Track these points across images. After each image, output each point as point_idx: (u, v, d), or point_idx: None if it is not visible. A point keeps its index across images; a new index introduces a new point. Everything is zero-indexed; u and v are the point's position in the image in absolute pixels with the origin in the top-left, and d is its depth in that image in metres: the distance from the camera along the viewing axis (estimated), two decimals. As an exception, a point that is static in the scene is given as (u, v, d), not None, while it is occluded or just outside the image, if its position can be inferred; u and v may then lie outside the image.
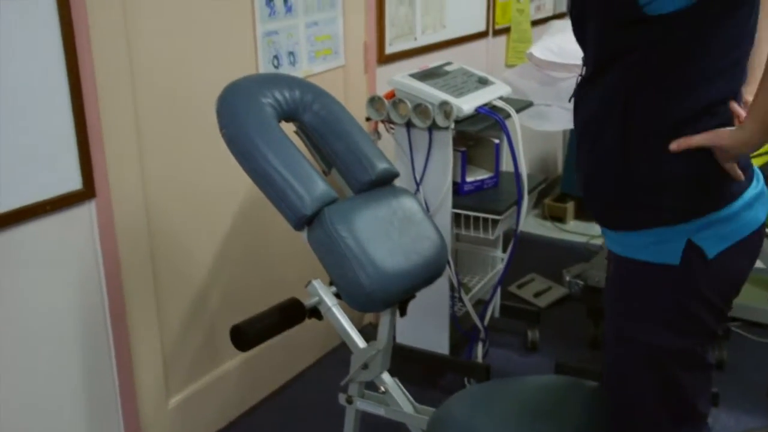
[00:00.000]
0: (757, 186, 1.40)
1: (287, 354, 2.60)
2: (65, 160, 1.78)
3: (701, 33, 1.25)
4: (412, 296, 1.70)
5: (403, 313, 1.70)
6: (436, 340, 2.55)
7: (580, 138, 1.40)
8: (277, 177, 1.56)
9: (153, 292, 2.08)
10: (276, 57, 2.37)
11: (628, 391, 1.45)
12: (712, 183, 1.32)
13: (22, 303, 1.75)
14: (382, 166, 1.73)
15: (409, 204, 1.70)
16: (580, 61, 1.62)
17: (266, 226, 2.44)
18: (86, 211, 1.86)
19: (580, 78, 1.44)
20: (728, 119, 1.33)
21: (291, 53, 2.43)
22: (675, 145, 1.29)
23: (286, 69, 2.41)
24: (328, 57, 2.60)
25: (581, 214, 4.12)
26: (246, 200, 2.35)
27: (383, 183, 1.74)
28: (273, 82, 1.73)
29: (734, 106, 1.33)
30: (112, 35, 1.84)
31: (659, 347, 1.39)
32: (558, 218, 4.07)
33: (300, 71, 2.47)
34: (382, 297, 1.58)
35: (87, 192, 1.84)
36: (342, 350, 2.78)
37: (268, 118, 1.63)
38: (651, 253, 1.35)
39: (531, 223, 4.06)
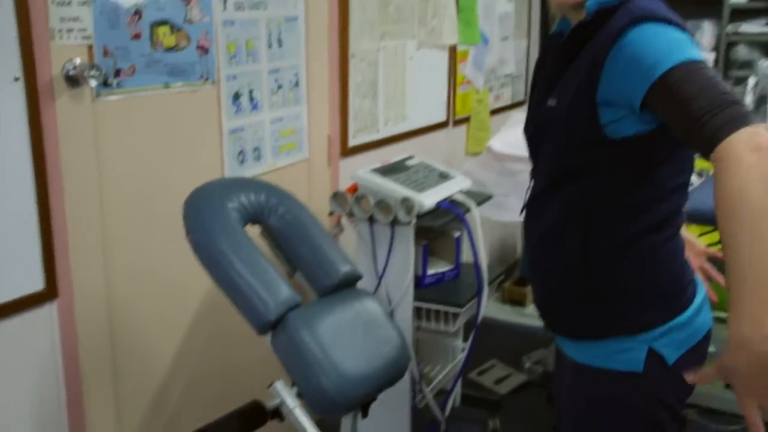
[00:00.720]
0: (701, 292, 1.48)
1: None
2: (28, 262, 1.79)
3: (656, 157, 1.33)
4: (374, 398, 1.71)
5: (365, 415, 1.72)
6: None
7: (536, 250, 1.46)
8: (242, 283, 1.59)
9: (113, 395, 2.06)
10: (241, 153, 2.42)
11: None
12: (669, 292, 1.39)
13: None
14: (344, 269, 1.77)
15: (371, 307, 1.74)
16: None
17: (228, 324, 2.44)
18: (47, 312, 1.85)
19: (530, 190, 1.50)
20: (680, 226, 1.41)
21: (256, 149, 2.49)
22: (692, 378, 1.21)
23: (250, 164, 2.46)
24: (292, 151, 2.65)
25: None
26: (207, 298, 2.35)
27: (346, 286, 1.78)
28: (239, 186, 1.77)
29: None
30: (80, 135, 1.87)
31: None
32: (517, 302, 4.11)
33: (265, 166, 2.52)
34: (344, 402, 1.59)
35: (49, 293, 1.84)
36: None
37: (233, 223, 1.67)
38: (614, 362, 1.39)
39: (491, 307, 4.08)
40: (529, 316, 4.03)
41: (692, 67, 1.18)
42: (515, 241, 4.57)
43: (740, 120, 1.09)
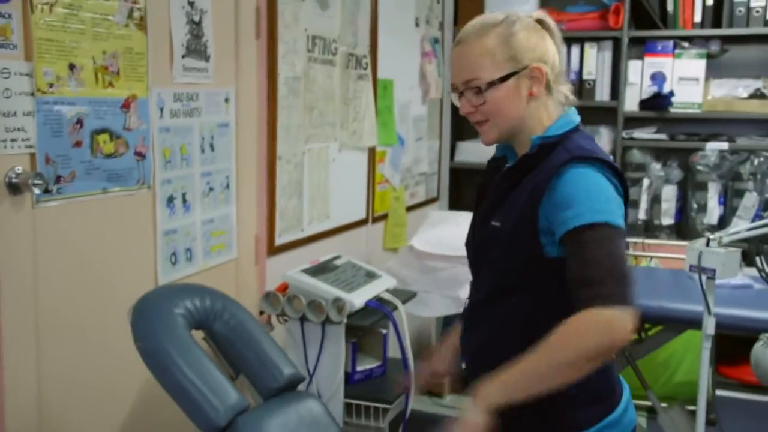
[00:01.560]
0: (626, 390, 1.61)
1: None
2: (-36, 370, 1.77)
3: None
4: (319, 500, 1.75)
5: None
6: None
7: (477, 359, 1.56)
8: (191, 388, 1.63)
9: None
10: (174, 254, 2.46)
11: None
12: (602, 394, 1.53)
13: None
14: (288, 372, 1.83)
15: (315, 408, 1.79)
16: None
17: (159, 426, 2.43)
18: (-20, 421, 1.82)
19: (468, 302, 1.62)
20: None
21: (188, 249, 2.53)
22: None
23: (183, 265, 2.50)
24: (222, 251, 2.71)
25: (457, 389, 4.27)
26: (138, 401, 2.34)
27: (290, 388, 1.83)
28: (185, 292, 1.82)
29: None
30: (19, 241, 1.89)
31: None
32: (436, 393, 4.20)
33: (196, 266, 2.56)
34: (293, 506, 1.63)
35: (-18, 401, 1.81)
36: None
37: (180, 329, 1.71)
38: None
39: (396, 409, 4.16)
40: (446, 406, 4.12)
41: (600, 233, 1.38)
42: (430, 333, 4.68)
43: (609, 300, 1.34)
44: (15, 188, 1.87)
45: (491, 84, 1.50)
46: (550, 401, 1.47)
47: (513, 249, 1.49)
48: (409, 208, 4.20)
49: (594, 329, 1.33)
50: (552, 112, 1.56)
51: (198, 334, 1.86)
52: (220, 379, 1.67)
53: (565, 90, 1.59)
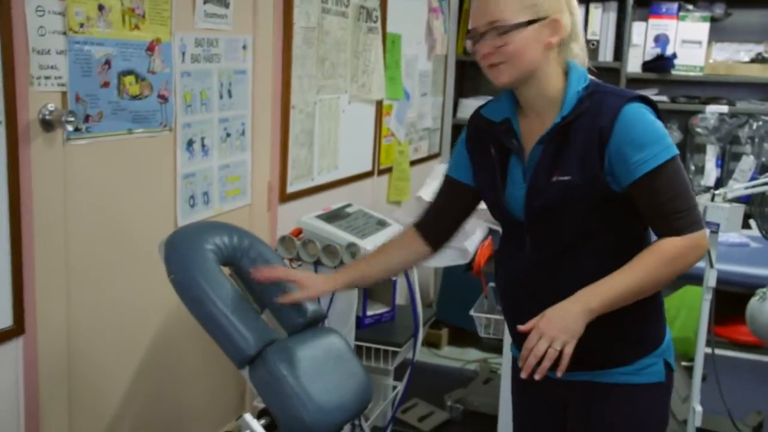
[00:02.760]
0: None
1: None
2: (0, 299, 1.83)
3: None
4: (342, 429, 1.84)
5: (330, 445, 1.84)
6: (336, 468, 2.65)
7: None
8: (223, 320, 1.70)
9: (67, 427, 2.09)
10: (192, 197, 2.52)
11: None
12: (663, 314, 1.73)
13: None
14: (312, 308, 1.90)
15: (338, 343, 1.87)
16: None
17: (179, 361, 2.52)
18: (14, 348, 1.89)
19: (528, 258, 1.67)
20: None
21: (205, 193, 2.59)
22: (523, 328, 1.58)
23: (200, 208, 2.56)
24: (237, 196, 2.77)
25: (455, 341, 4.39)
26: (161, 335, 2.43)
27: (314, 323, 1.91)
28: (214, 229, 1.88)
29: None
30: (51, 177, 1.94)
31: None
32: (433, 344, 4.31)
33: (212, 210, 2.62)
34: (320, 431, 1.71)
35: (17, 329, 1.88)
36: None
37: (212, 264, 1.78)
38: (642, 377, 1.67)
39: (404, 353, 4.26)
40: (444, 357, 4.24)
41: (670, 170, 1.55)
42: (428, 285, 4.78)
43: (695, 225, 1.56)
44: (48, 125, 1.92)
45: (516, 26, 1.57)
46: (640, 326, 1.66)
47: (587, 196, 1.58)
48: (412, 163, 4.26)
49: (692, 251, 1.55)
50: (560, 70, 1.63)
51: (225, 271, 1.92)
52: (250, 312, 1.74)
53: (577, 49, 1.67)
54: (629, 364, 1.67)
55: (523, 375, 1.54)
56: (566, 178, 1.59)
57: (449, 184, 1.84)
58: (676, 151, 1.56)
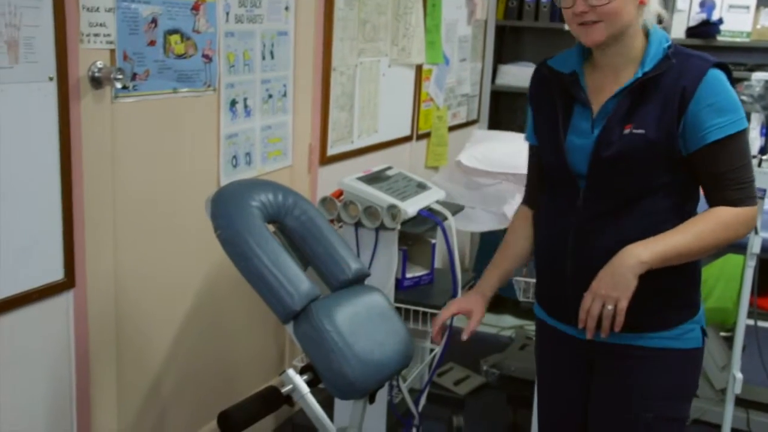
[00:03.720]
0: None
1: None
2: (51, 253, 1.88)
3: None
4: (383, 386, 1.86)
5: (372, 401, 1.86)
6: (374, 426, 2.69)
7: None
8: (269, 276, 1.72)
9: (116, 379, 2.15)
10: (235, 157, 2.54)
11: None
12: (700, 277, 1.74)
13: (-1, 390, 1.80)
14: (356, 266, 1.92)
15: (381, 301, 1.89)
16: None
17: (223, 319, 2.57)
18: (65, 301, 1.94)
19: (583, 210, 1.67)
20: None
21: (247, 154, 2.61)
22: None
23: (242, 168, 2.58)
24: (278, 158, 2.79)
25: (490, 307, 4.37)
26: (206, 293, 2.47)
27: (357, 282, 1.93)
28: (259, 187, 1.90)
29: None
30: (100, 134, 1.98)
31: (682, 419, 1.74)
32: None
33: (254, 170, 2.64)
34: (363, 386, 1.74)
35: (68, 282, 1.93)
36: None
37: (257, 221, 1.80)
38: (682, 342, 1.69)
39: (444, 314, 4.28)
40: (481, 323, 4.25)
41: (740, 141, 1.57)
42: (465, 251, 4.79)
43: (752, 199, 1.61)
44: (97, 82, 1.94)
45: None
46: (683, 290, 1.68)
47: (657, 152, 1.59)
48: (450, 129, 4.24)
49: (743, 223, 1.58)
50: (640, 26, 1.64)
51: (270, 228, 1.95)
52: (295, 269, 1.76)
53: (659, 8, 1.67)
54: (670, 328, 1.68)
55: (588, 336, 1.58)
56: (640, 131, 1.59)
57: (532, 152, 1.87)
58: (747, 124, 1.58)
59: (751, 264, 2.40)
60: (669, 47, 1.63)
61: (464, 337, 1.85)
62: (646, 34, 1.64)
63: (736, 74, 4.37)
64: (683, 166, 1.61)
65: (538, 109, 1.79)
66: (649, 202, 1.62)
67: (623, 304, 1.53)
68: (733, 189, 1.57)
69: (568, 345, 1.73)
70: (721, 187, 1.58)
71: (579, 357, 1.78)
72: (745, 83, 4.24)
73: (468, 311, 1.88)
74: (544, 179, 1.80)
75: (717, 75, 1.58)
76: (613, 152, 1.61)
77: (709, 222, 1.58)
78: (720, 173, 1.58)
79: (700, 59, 1.60)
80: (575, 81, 1.68)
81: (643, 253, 1.54)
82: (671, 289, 1.66)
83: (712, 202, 1.61)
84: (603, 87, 1.66)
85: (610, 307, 1.54)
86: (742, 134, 1.57)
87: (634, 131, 1.59)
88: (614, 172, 1.63)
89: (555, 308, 1.79)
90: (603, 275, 1.56)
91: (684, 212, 1.63)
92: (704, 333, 1.73)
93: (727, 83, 1.59)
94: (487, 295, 1.90)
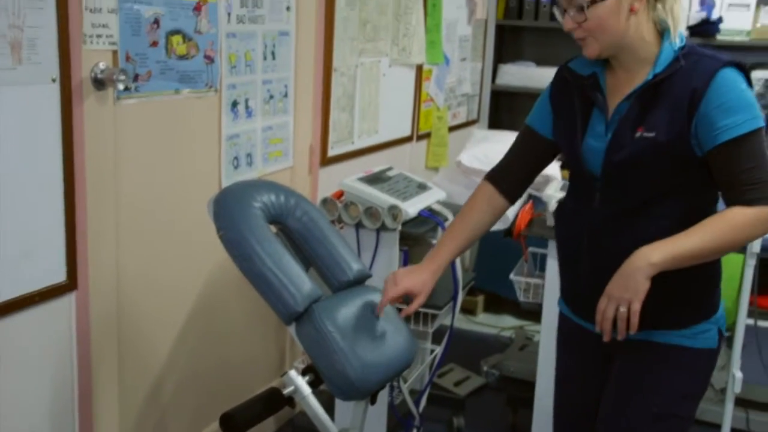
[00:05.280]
0: None
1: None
2: (54, 255, 1.88)
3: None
4: (384, 387, 1.86)
5: (374, 402, 1.87)
6: (375, 427, 2.69)
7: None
8: (272, 277, 1.72)
9: (117, 379, 2.15)
10: (236, 158, 2.55)
11: None
12: (720, 279, 1.73)
13: None
14: (358, 267, 1.92)
15: (383, 302, 1.89)
16: None
17: (223, 322, 2.57)
18: (67, 302, 1.94)
19: (601, 213, 1.68)
20: None
21: (248, 155, 2.61)
22: None
23: (243, 169, 2.58)
24: (279, 158, 2.79)
25: (490, 307, 4.40)
26: (206, 295, 2.47)
27: (359, 282, 1.93)
28: (261, 188, 1.90)
29: None
30: (102, 135, 1.97)
31: (687, 418, 1.74)
32: (469, 311, 4.33)
33: (255, 171, 2.65)
34: (365, 387, 1.74)
35: (70, 284, 1.93)
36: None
37: (260, 221, 1.80)
38: (696, 341, 1.69)
39: (443, 317, 4.29)
40: (480, 323, 4.26)
41: (754, 141, 1.55)
42: (465, 252, 4.78)
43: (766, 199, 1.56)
44: (99, 83, 1.94)
45: (593, 2, 1.57)
46: (701, 291, 1.68)
47: (668, 155, 1.59)
48: (451, 129, 4.24)
49: (761, 224, 1.55)
50: (653, 29, 1.62)
51: (272, 229, 1.95)
52: (297, 270, 1.76)
53: (671, 5, 1.64)
54: (686, 327, 1.69)
55: (605, 339, 1.60)
56: (651, 134, 1.59)
57: (528, 134, 1.85)
58: (763, 123, 1.56)
59: (752, 263, 2.41)
60: (681, 48, 1.61)
61: (378, 313, 1.85)
62: (663, 33, 1.63)
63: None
64: (699, 167, 1.60)
65: (557, 111, 1.79)
66: (665, 203, 1.63)
67: (636, 306, 1.54)
68: (747, 189, 1.55)
69: (588, 339, 1.75)
70: (735, 187, 1.57)
71: (598, 350, 1.79)
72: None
73: (414, 294, 1.82)
74: (569, 179, 1.83)
75: (728, 74, 1.56)
76: (624, 156, 1.62)
77: (722, 223, 1.56)
78: (733, 173, 1.56)
79: (712, 59, 1.59)
80: (594, 83, 1.69)
81: (654, 255, 1.54)
82: (686, 290, 1.66)
83: (728, 203, 1.60)
84: (619, 88, 1.67)
85: (623, 309, 1.55)
86: (756, 134, 1.55)
87: (645, 134, 1.60)
88: (626, 175, 1.64)
89: (574, 305, 1.83)
90: (616, 278, 1.57)
91: (702, 214, 1.61)
92: (721, 334, 1.73)
93: (740, 82, 1.57)
94: (438, 272, 1.85)
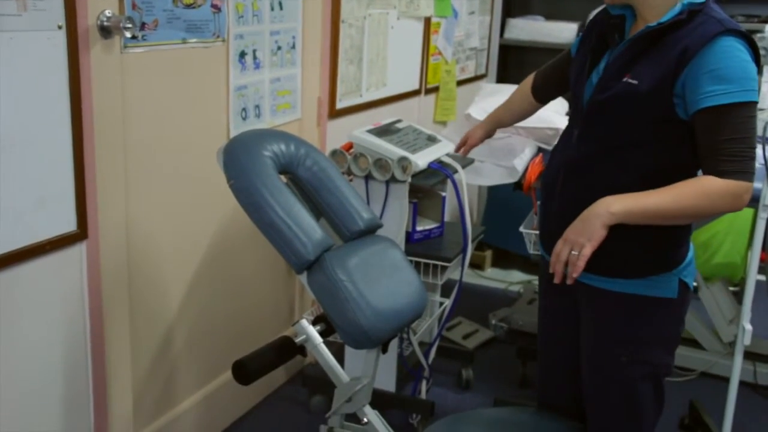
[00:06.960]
0: None
1: (238, 393, 2.69)
2: (64, 204, 1.87)
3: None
4: (395, 335, 1.87)
5: (385, 350, 1.87)
6: (384, 378, 2.71)
7: (587, 204, 1.62)
8: (283, 226, 1.72)
9: (129, 327, 2.16)
10: (244, 110, 2.53)
11: (634, 406, 1.77)
12: (689, 234, 1.73)
13: (8, 339, 1.81)
14: (369, 217, 1.91)
15: (393, 251, 1.89)
16: None
17: (233, 269, 2.57)
18: (78, 251, 1.94)
19: (570, 150, 1.71)
20: None
21: (257, 106, 2.59)
22: None
23: (252, 121, 2.56)
24: (287, 111, 2.77)
25: (498, 262, 4.40)
26: (216, 243, 2.47)
27: (370, 232, 1.92)
28: (271, 136, 1.88)
29: None
30: (110, 83, 1.95)
31: (660, 365, 1.75)
32: (477, 266, 4.34)
33: (264, 123, 2.63)
34: (376, 335, 1.74)
35: (80, 234, 1.93)
36: (285, 388, 2.92)
37: (270, 170, 1.79)
38: (654, 290, 1.70)
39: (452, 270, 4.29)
40: (488, 278, 4.27)
41: (739, 113, 1.51)
42: (473, 207, 4.78)
43: (744, 175, 1.53)
44: (106, 31, 1.92)
45: None
46: (660, 243, 1.67)
47: (647, 106, 1.59)
48: (459, 83, 4.20)
49: (731, 197, 1.53)
50: None
51: (282, 178, 1.94)
52: (308, 219, 1.76)
53: None
54: (643, 277, 1.70)
55: (556, 280, 1.62)
56: (634, 82, 1.60)
57: (566, 56, 2.02)
58: (755, 98, 1.52)
59: (764, 216, 2.38)
60: (692, 4, 1.59)
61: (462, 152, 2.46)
62: None
63: (748, 26, 4.31)
64: (677, 126, 1.59)
65: (580, 47, 1.85)
66: (636, 154, 1.63)
67: (587, 251, 1.56)
68: (722, 160, 1.53)
69: (561, 288, 1.76)
70: (713, 156, 1.55)
71: (570, 301, 1.85)
72: (758, 35, 4.18)
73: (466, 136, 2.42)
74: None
75: (728, 42, 1.53)
76: (605, 97, 1.64)
77: (690, 189, 1.55)
78: (713, 142, 1.54)
79: (716, 23, 1.55)
80: (618, 24, 1.70)
81: (615, 205, 1.56)
82: (646, 243, 1.66)
83: (704, 171, 1.59)
84: (634, 33, 1.68)
85: (575, 252, 1.58)
86: (743, 106, 1.52)
87: (630, 81, 1.60)
88: (604, 115, 1.66)
89: (547, 244, 1.85)
90: (576, 221, 1.60)
91: (676, 175, 1.59)
92: (686, 286, 1.73)
93: (740, 51, 1.53)
94: (488, 128, 2.39)
